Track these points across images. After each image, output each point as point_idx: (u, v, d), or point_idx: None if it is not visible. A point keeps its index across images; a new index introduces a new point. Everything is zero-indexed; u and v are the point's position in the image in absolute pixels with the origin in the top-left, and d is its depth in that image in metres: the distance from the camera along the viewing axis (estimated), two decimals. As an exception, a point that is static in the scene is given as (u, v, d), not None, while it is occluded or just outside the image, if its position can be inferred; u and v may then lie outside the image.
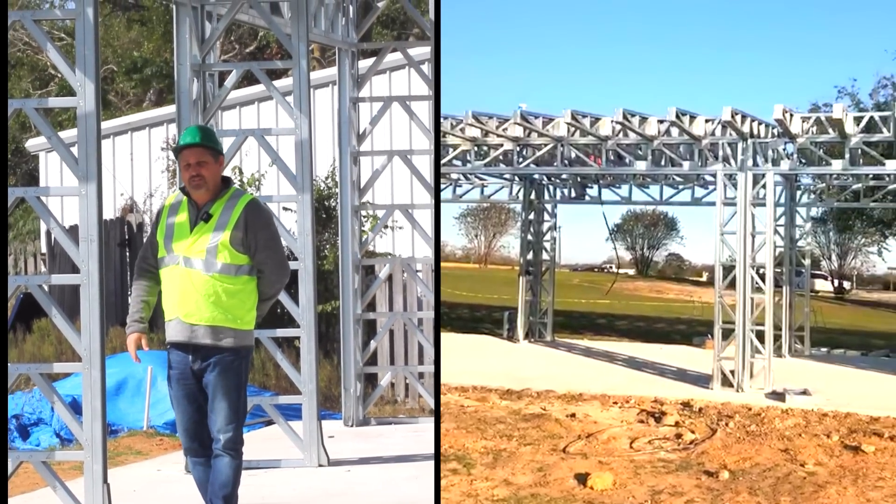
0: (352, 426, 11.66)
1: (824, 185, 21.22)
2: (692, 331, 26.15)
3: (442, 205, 10.83)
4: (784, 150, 16.36)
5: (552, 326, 22.35)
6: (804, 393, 14.62)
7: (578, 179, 21.19)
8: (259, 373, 16.06)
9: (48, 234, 20.66)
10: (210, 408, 6.73)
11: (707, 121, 15.84)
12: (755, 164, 15.53)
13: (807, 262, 21.62)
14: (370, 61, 12.86)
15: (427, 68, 11.82)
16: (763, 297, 15.67)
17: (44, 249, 21.80)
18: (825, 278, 61.65)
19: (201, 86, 9.70)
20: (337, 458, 9.70)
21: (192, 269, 6.63)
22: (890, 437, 12.04)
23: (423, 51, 14.64)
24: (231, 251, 6.67)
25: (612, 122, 16.48)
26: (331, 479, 9.13)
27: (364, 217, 15.37)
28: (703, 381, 15.81)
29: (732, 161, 15.64)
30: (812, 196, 21.90)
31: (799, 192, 20.98)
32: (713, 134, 15.90)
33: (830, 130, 15.64)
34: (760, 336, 15.55)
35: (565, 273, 57.71)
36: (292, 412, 10.43)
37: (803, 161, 16.75)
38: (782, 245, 19.94)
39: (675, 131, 16.32)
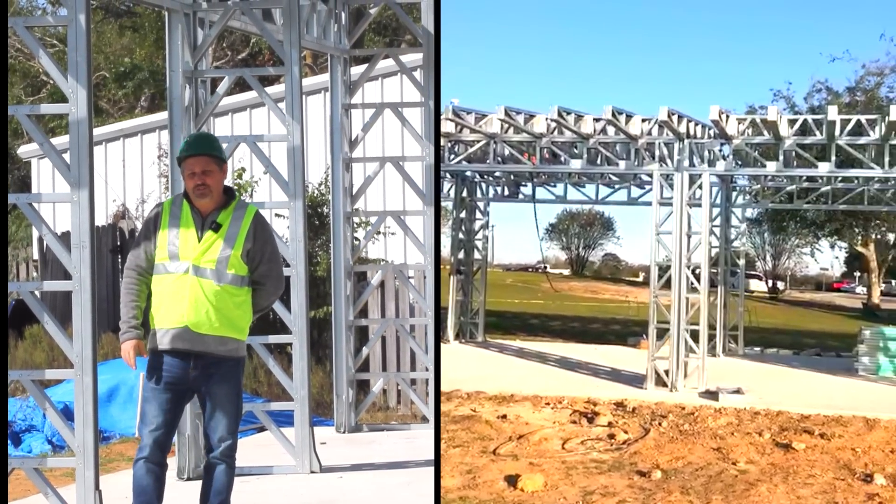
0: (344, 433, 11.65)
1: (759, 186, 21.51)
2: (627, 331, 26.37)
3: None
4: (720, 151, 16.40)
5: (483, 327, 22.37)
6: (737, 392, 14.75)
7: (512, 177, 21.13)
8: (251, 379, 16.05)
9: (40, 240, 20.65)
10: (209, 416, 6.71)
11: (643, 120, 15.79)
12: (691, 164, 15.61)
13: (741, 262, 21.82)
14: (362, 68, 12.87)
15: (419, 75, 11.83)
16: (698, 297, 15.73)
17: (36, 256, 21.78)
18: (759, 278, 62.68)
19: (193, 92, 9.70)
20: (329, 464, 9.69)
21: (203, 279, 6.60)
22: (820, 434, 12.19)
23: (415, 57, 14.66)
24: (240, 262, 6.69)
25: (546, 119, 16.34)
26: (323, 485, 9.13)
27: (357, 224, 15.38)
28: (637, 381, 15.89)
29: (669, 161, 15.68)
30: (747, 197, 22.15)
31: (734, 193, 21.32)
32: (650, 134, 15.89)
33: (765, 132, 15.77)
34: (695, 336, 15.60)
35: (498, 273, 57.86)
36: (284, 418, 10.42)
37: (739, 162, 16.93)
38: (718, 245, 20.18)
39: (611, 130, 16.27)
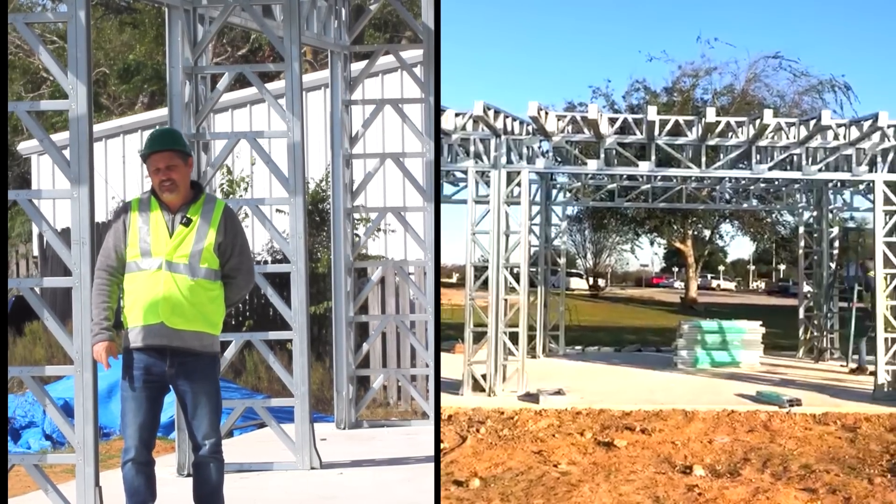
0: (344, 429, 11.66)
1: (580, 184, 21.36)
2: (440, 335, 25.92)
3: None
4: (539, 148, 16.00)
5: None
6: (558, 393, 14.40)
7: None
8: (251, 375, 16.06)
9: (40, 236, 20.66)
10: (192, 415, 6.66)
11: (457, 115, 14.95)
12: (509, 161, 15.16)
13: (562, 261, 21.54)
14: (362, 64, 12.87)
15: (419, 71, 11.83)
16: (517, 298, 15.25)
17: (35, 252, 21.79)
18: (580, 276, 62.51)
19: (193, 89, 9.69)
20: (329, 460, 9.69)
21: (177, 274, 6.56)
22: (641, 430, 12.15)
23: (415, 53, 14.64)
24: (212, 256, 6.66)
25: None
26: (323, 481, 9.13)
27: (357, 220, 15.37)
28: (452, 387, 15.10)
29: (485, 158, 15.17)
30: (567, 195, 21.97)
31: (554, 191, 21.06)
32: (464, 129, 15.19)
33: (586, 130, 15.42)
34: (514, 337, 15.13)
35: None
36: (284, 415, 10.42)
37: (559, 160, 16.76)
38: (537, 244, 19.90)
39: None
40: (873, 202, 15.34)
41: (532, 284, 18.21)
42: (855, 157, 15.40)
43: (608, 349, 22.53)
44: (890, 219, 14.97)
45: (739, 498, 9.00)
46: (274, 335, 10.41)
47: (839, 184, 19.57)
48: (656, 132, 15.20)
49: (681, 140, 15.63)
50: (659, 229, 43.09)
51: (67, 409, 9.31)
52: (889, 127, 14.76)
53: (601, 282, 66.67)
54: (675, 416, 13.22)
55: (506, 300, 15.10)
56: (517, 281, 15.13)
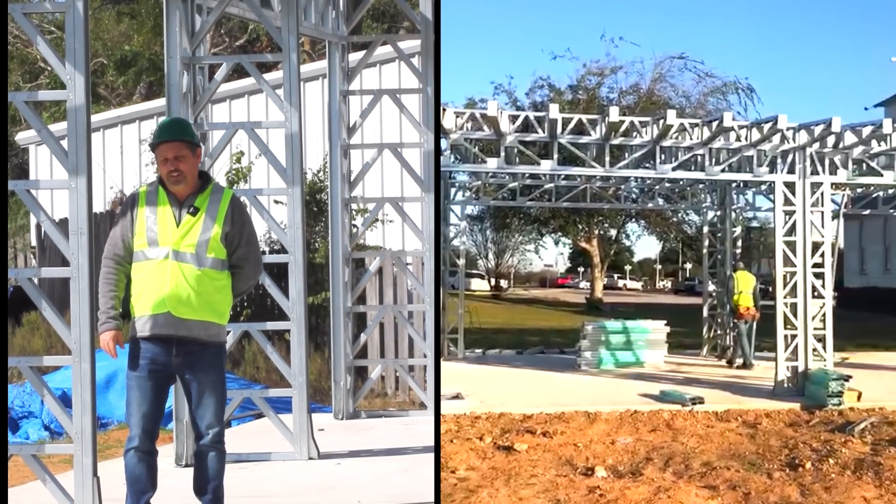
0: (342, 419, 11.67)
1: (480, 182, 21.10)
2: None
3: None
4: None
5: None
6: (456, 397, 14.23)
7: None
8: (249, 366, 16.07)
9: (38, 227, 20.65)
10: (196, 404, 6.67)
11: None
12: None
13: (461, 261, 21.29)
14: (360, 54, 12.86)
15: (417, 61, 11.82)
16: None
17: (34, 242, 21.79)
18: (482, 277, 61.90)
19: (191, 79, 9.69)
20: (327, 451, 9.70)
21: (183, 264, 6.58)
22: (542, 433, 12.00)
23: (413, 44, 14.62)
24: (219, 246, 6.67)
25: None
26: (321, 472, 9.14)
27: (355, 210, 15.37)
28: None
29: None
30: (467, 193, 21.74)
31: (453, 190, 20.72)
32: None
33: (486, 128, 15.13)
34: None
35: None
36: (282, 405, 10.44)
37: (458, 157, 16.50)
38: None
39: None
40: (774, 202, 15.37)
41: None
42: (756, 159, 15.44)
43: (510, 352, 22.13)
44: (789, 219, 15.02)
45: (641, 497, 8.96)
46: (272, 325, 10.42)
47: (742, 184, 19.70)
48: (559, 130, 14.94)
49: (584, 139, 15.40)
50: (564, 229, 42.73)
51: (65, 400, 9.34)
52: (788, 129, 14.83)
53: (503, 283, 66.01)
54: (577, 417, 13.15)
55: None
56: None
